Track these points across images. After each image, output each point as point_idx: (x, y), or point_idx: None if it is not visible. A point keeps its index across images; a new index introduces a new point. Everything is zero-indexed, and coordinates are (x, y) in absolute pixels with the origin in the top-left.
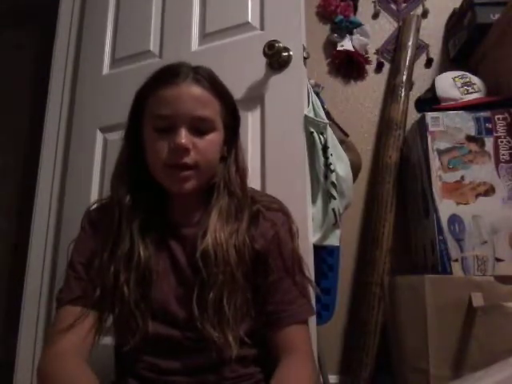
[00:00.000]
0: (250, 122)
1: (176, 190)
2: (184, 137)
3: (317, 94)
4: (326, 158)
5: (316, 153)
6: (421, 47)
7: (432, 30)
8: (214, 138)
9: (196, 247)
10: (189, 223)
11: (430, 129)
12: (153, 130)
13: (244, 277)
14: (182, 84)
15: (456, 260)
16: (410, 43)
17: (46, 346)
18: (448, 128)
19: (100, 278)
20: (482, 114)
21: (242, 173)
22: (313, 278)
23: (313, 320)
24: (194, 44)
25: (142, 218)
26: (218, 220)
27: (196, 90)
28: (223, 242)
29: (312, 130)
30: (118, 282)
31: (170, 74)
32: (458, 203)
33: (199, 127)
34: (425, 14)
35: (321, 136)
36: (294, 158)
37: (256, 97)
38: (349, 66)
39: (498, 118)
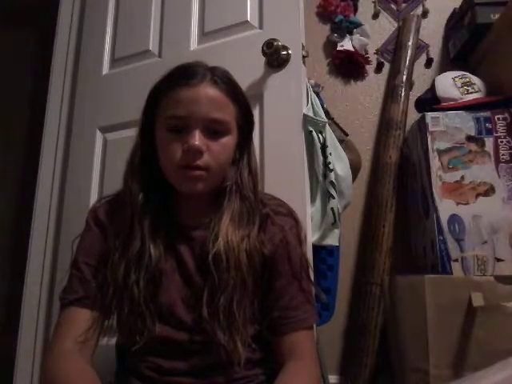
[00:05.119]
0: None
1: (186, 190)
2: (198, 139)
3: (317, 94)
4: (325, 157)
5: (315, 152)
6: (421, 47)
7: (432, 30)
8: (228, 142)
9: (205, 250)
10: (198, 225)
11: (430, 129)
12: (166, 130)
13: (253, 282)
14: (198, 85)
15: (456, 260)
16: (410, 43)
17: (50, 346)
18: (448, 128)
19: (110, 276)
20: (482, 114)
21: (254, 177)
22: (313, 278)
23: None
24: (194, 43)
25: (152, 217)
26: (229, 224)
27: (213, 92)
28: (235, 246)
29: (311, 128)
30: (128, 280)
31: (186, 74)
32: (457, 203)
33: (214, 130)
34: (425, 14)
35: (320, 135)
36: (292, 156)
37: (255, 95)
38: (349, 66)
39: (498, 118)
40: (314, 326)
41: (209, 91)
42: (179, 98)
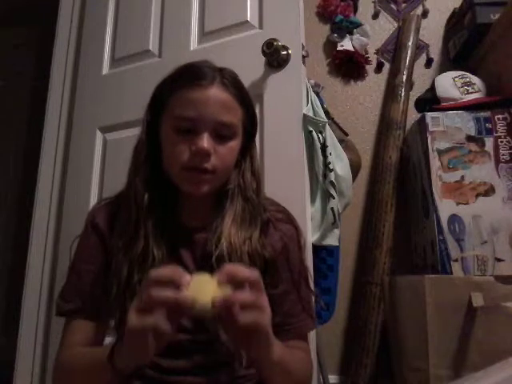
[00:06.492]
0: None
1: (191, 192)
2: (206, 142)
3: (317, 94)
4: (325, 157)
5: (315, 152)
6: (421, 47)
7: (432, 30)
8: (234, 145)
9: (207, 252)
10: (200, 227)
11: (430, 129)
12: (173, 131)
13: None
14: (209, 87)
15: (456, 260)
16: (410, 43)
17: (56, 357)
18: (448, 128)
19: (114, 276)
20: (482, 114)
21: (257, 179)
22: (313, 278)
23: None
24: (193, 43)
25: (156, 218)
26: (232, 225)
27: (222, 95)
28: (237, 248)
29: (311, 128)
30: (132, 280)
31: (195, 75)
32: (458, 203)
33: (221, 133)
34: (425, 13)
35: (319, 135)
36: (292, 156)
37: (255, 95)
38: (349, 66)
39: (498, 118)
40: (312, 332)
41: (219, 94)
42: (188, 98)
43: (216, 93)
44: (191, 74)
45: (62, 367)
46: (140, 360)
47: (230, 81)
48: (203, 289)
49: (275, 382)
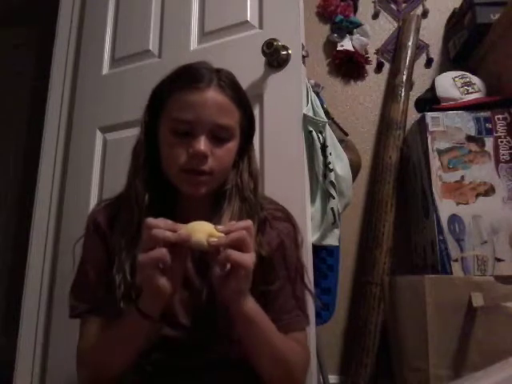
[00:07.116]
0: None
1: (189, 193)
2: (204, 144)
3: (317, 94)
4: (325, 157)
5: (315, 152)
6: (421, 47)
7: (432, 30)
8: (231, 147)
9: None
10: None
11: (430, 129)
12: (170, 133)
13: (252, 282)
14: (205, 89)
15: (456, 260)
16: (410, 43)
17: (78, 349)
18: (448, 128)
19: (118, 275)
20: (482, 114)
21: (255, 179)
22: (312, 278)
23: (313, 320)
24: (193, 43)
25: (156, 217)
26: None
27: (220, 98)
28: None
29: (311, 128)
30: (135, 280)
31: (192, 77)
32: (458, 203)
33: (219, 135)
34: (425, 13)
35: (319, 135)
36: (292, 157)
37: (255, 95)
38: (349, 66)
39: (498, 118)
40: (313, 321)
41: (216, 96)
42: (185, 101)
43: (213, 95)
44: (189, 76)
45: (87, 352)
46: (160, 296)
47: (227, 83)
48: (198, 227)
49: (266, 367)
